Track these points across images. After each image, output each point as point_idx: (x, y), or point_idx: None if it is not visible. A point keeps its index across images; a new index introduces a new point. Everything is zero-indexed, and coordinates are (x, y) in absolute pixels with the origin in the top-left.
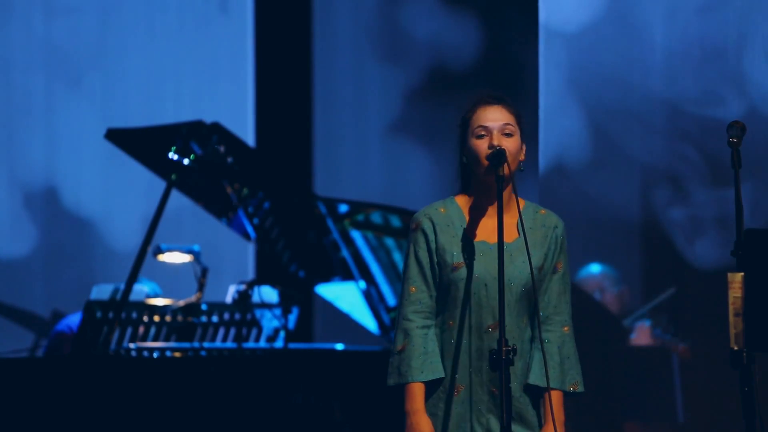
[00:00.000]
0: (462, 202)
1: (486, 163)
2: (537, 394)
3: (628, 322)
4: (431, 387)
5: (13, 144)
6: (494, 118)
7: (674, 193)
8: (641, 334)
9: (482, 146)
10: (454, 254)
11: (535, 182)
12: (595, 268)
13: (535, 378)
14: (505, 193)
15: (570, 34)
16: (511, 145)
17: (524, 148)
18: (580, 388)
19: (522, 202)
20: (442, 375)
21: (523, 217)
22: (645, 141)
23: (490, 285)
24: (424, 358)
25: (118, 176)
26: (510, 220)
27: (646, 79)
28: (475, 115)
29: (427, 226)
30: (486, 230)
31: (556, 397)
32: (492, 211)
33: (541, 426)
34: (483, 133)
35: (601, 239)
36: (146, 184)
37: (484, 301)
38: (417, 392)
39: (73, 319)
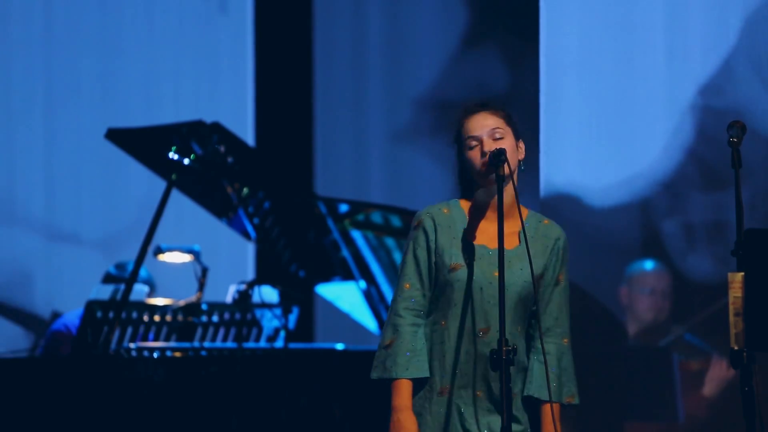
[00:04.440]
0: (465, 205)
1: (483, 169)
2: (530, 404)
3: (680, 332)
4: (417, 386)
5: (13, 145)
6: (481, 125)
7: (673, 199)
8: (716, 369)
9: (476, 157)
10: (453, 256)
11: (537, 183)
12: (648, 265)
13: (536, 390)
14: (508, 201)
15: (570, 38)
16: (503, 148)
17: (522, 146)
18: (576, 401)
19: (526, 211)
20: (427, 374)
21: (526, 225)
22: (644, 145)
23: (485, 289)
24: (411, 356)
25: (119, 176)
26: (512, 229)
27: (646, 81)
28: (464, 128)
29: (428, 224)
30: (486, 234)
31: (554, 409)
32: (493, 216)
33: (529, 427)
34: (474, 143)
35: (599, 247)
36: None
37: (478, 305)
38: (404, 389)
39: (70, 318)
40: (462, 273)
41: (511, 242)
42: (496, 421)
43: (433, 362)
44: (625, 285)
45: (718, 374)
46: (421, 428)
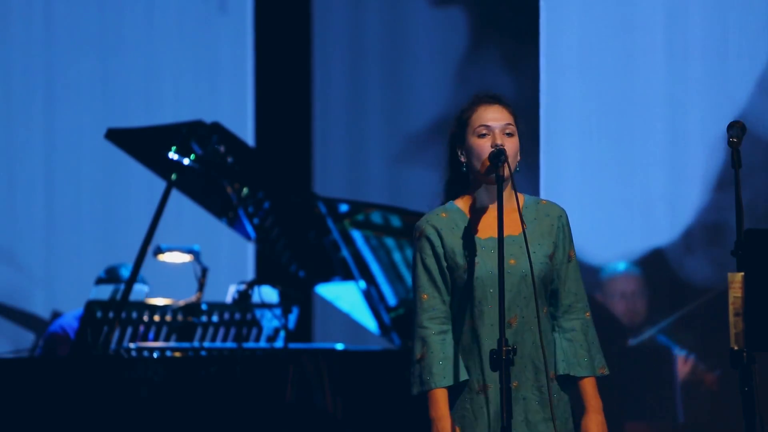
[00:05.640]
0: (462, 204)
1: (488, 162)
2: (568, 383)
3: (652, 333)
4: (457, 390)
5: (13, 145)
6: (495, 117)
7: (673, 200)
8: (683, 366)
9: (485, 145)
10: (465, 254)
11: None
12: (619, 268)
13: (570, 368)
14: (506, 192)
15: (570, 38)
16: (511, 145)
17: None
18: (607, 371)
19: (522, 197)
20: (465, 378)
21: (526, 209)
22: (643, 146)
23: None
24: (445, 364)
25: (119, 176)
26: (513, 215)
27: (647, 79)
28: (476, 114)
29: (430, 232)
30: (491, 227)
31: (591, 383)
32: (493, 209)
33: (573, 416)
34: (485, 132)
35: (598, 247)
36: (147, 182)
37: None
38: (440, 399)
39: (66, 320)
40: (477, 269)
41: (516, 228)
42: (536, 413)
43: (472, 362)
44: (599, 292)
45: (678, 369)
46: (466, 430)
